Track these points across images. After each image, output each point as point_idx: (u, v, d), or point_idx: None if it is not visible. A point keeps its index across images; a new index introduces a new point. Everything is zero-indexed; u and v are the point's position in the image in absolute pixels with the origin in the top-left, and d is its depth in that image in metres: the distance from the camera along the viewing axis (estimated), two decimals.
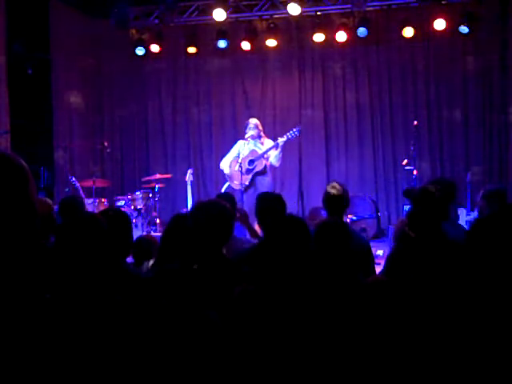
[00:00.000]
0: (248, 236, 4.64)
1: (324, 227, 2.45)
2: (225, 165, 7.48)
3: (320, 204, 4.10)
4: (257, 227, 7.08)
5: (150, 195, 8.34)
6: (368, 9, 8.81)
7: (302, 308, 2.01)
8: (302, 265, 2.23)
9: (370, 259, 3.72)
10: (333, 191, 3.81)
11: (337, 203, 3.81)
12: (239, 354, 1.83)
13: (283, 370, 1.85)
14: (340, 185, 3.95)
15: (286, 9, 8.65)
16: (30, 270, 1.32)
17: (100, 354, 1.66)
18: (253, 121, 7.41)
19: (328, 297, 2.07)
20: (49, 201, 2.92)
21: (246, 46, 9.27)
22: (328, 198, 3.81)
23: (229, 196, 4.33)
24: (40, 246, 2.50)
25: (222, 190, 7.80)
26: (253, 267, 2.52)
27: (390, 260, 2.95)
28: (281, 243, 2.23)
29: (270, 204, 3.69)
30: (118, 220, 2.62)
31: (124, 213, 2.96)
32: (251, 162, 7.23)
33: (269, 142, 7.33)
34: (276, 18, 9.22)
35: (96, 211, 7.17)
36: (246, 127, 7.41)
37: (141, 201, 8.23)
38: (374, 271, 3.66)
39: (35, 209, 1.31)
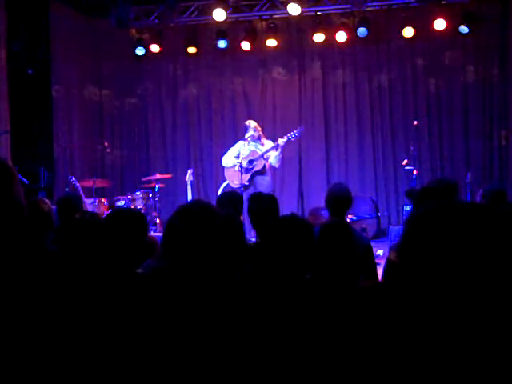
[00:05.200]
0: (248, 236, 4.62)
1: (329, 229, 2.43)
2: (227, 160, 7.46)
3: (320, 204, 4.09)
4: None
5: (150, 195, 8.35)
6: (368, 9, 8.80)
7: (302, 309, 2.00)
8: (303, 267, 2.22)
9: (371, 259, 3.72)
10: (335, 192, 3.81)
11: (340, 204, 3.80)
12: (234, 352, 1.82)
13: (279, 372, 1.84)
14: (343, 185, 3.94)
15: (285, 9, 8.64)
16: (19, 268, 1.31)
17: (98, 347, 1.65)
18: (251, 123, 7.41)
19: (329, 299, 2.07)
20: (47, 201, 2.91)
21: (245, 46, 9.27)
22: (331, 199, 3.81)
23: (235, 195, 4.25)
24: (34, 246, 2.49)
25: (221, 189, 7.80)
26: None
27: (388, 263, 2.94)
28: (283, 245, 2.22)
29: (264, 205, 3.65)
30: (130, 221, 2.50)
31: (137, 213, 2.75)
32: (251, 161, 7.23)
33: (269, 143, 7.33)
34: (276, 18, 9.22)
35: (96, 211, 7.17)
36: (246, 128, 7.42)
37: (141, 201, 8.23)
38: (376, 271, 3.67)
39: (22, 209, 1.30)
